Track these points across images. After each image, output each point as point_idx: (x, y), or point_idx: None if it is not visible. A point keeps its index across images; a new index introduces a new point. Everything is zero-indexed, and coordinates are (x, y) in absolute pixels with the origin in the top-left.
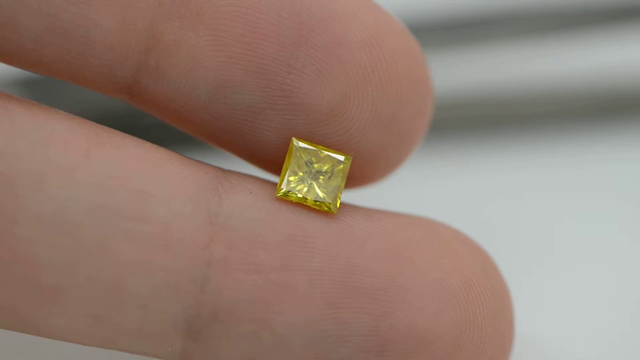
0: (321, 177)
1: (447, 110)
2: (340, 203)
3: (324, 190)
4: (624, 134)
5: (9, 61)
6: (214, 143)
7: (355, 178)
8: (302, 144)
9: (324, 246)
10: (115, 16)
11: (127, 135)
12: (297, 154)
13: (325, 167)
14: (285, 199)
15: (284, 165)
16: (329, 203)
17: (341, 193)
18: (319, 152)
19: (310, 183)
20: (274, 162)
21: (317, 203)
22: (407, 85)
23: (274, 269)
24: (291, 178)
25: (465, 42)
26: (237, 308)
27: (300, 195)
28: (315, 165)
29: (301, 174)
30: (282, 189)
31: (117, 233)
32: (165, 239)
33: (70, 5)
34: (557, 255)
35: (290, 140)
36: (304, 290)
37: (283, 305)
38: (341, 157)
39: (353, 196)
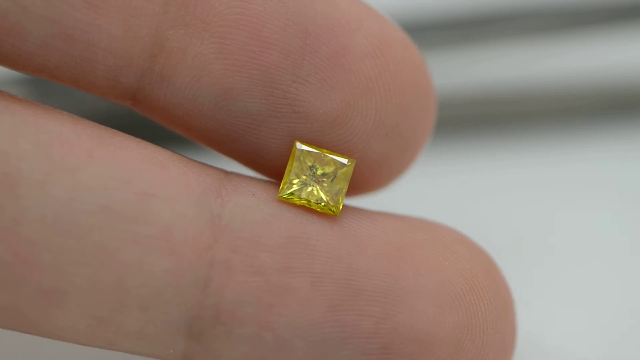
0: (324, 180)
1: (447, 109)
2: (342, 206)
3: (327, 193)
4: (624, 133)
5: (13, 66)
6: (218, 150)
7: (357, 186)
8: (305, 147)
9: (326, 248)
10: (120, 23)
11: (130, 136)
12: (300, 157)
13: (329, 170)
14: (288, 202)
15: (287, 167)
16: (332, 205)
17: (344, 196)
18: (322, 155)
19: (313, 186)
20: (277, 170)
21: (320, 205)
22: (410, 95)
23: (276, 271)
24: (294, 180)
25: (464, 42)
26: (239, 310)
27: (302, 201)
28: (319, 168)
29: (304, 176)
30: (285, 191)
31: (120, 234)
32: (167, 241)
33: (75, 12)
34: (559, 255)
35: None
36: (306, 292)
37: (285, 307)
38: (344, 160)
39: (354, 198)
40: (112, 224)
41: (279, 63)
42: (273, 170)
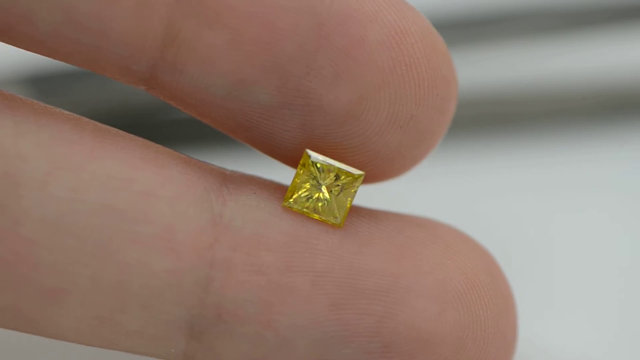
0: (332, 190)
1: None
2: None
3: (333, 204)
4: (625, 133)
5: (26, 48)
6: (234, 136)
7: (370, 176)
8: (315, 157)
9: (327, 247)
10: (132, 12)
11: (131, 135)
12: (309, 166)
13: (337, 182)
14: (292, 210)
15: (295, 175)
16: (335, 219)
17: (349, 207)
18: (331, 165)
19: (319, 196)
20: (293, 159)
21: (322, 218)
22: (427, 86)
23: (277, 270)
24: (300, 189)
25: (464, 42)
26: (240, 309)
27: (306, 210)
28: (326, 179)
29: (310, 186)
30: (290, 200)
31: (121, 234)
32: (168, 240)
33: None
34: (559, 254)
35: (304, 148)
36: (307, 291)
37: (286, 306)
38: (354, 173)
39: (355, 197)
40: (113, 224)
41: (292, 55)
42: (289, 159)
